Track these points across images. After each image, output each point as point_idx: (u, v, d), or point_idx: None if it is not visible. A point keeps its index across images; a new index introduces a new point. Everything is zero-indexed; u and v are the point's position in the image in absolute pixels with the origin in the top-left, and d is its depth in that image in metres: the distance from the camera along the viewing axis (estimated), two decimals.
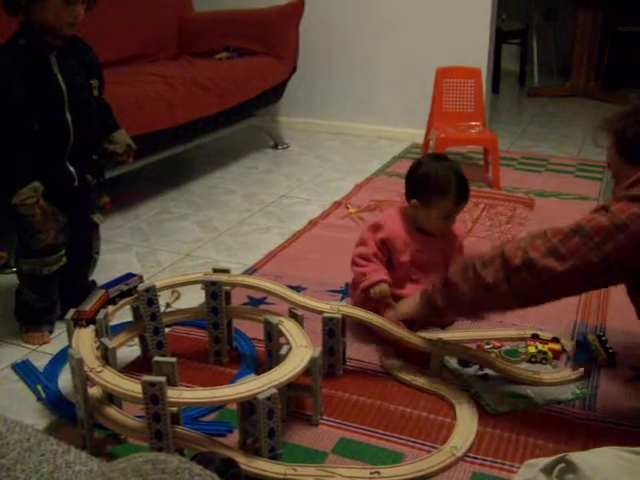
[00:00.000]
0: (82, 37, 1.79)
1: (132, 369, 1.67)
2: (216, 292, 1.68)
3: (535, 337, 1.77)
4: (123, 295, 1.62)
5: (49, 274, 1.81)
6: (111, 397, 1.41)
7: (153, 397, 1.26)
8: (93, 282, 1.98)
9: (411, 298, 1.70)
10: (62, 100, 1.71)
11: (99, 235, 1.97)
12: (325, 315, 1.61)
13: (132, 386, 1.31)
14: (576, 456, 1.11)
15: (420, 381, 1.62)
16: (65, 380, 1.62)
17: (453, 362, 1.70)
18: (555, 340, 1.75)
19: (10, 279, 2.14)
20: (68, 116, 1.72)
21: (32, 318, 1.84)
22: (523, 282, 1.35)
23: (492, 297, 1.41)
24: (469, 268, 1.46)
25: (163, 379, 1.26)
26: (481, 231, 2.50)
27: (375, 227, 1.85)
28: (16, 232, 1.80)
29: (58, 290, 1.89)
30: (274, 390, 1.29)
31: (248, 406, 1.32)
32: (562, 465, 1.11)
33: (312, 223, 2.64)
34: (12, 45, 1.66)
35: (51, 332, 1.87)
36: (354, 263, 1.85)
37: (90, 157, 1.84)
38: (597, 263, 1.28)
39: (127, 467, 0.82)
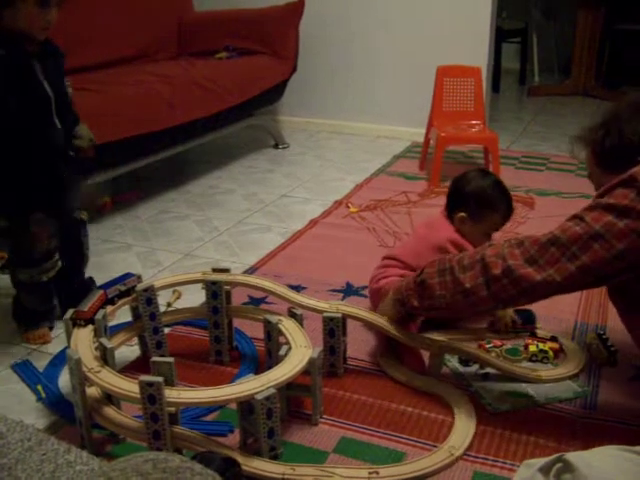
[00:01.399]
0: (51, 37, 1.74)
1: (132, 369, 1.67)
2: (217, 292, 1.67)
3: (533, 336, 1.77)
4: (122, 295, 1.62)
5: (48, 280, 1.81)
6: (110, 397, 1.41)
7: (150, 397, 1.26)
8: (91, 279, 1.98)
9: (386, 299, 1.69)
10: (50, 105, 1.69)
11: (87, 232, 1.96)
12: (325, 315, 1.61)
13: (130, 386, 1.31)
14: (573, 456, 1.11)
15: (417, 382, 1.62)
16: (65, 380, 1.62)
17: (454, 361, 1.70)
18: (553, 339, 1.75)
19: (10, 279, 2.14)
20: (56, 120, 1.72)
21: (32, 319, 1.84)
22: (503, 289, 1.37)
23: (471, 301, 1.43)
24: (447, 271, 1.47)
25: (160, 379, 1.26)
26: None
27: (457, 244, 1.81)
28: (11, 243, 1.80)
29: (57, 291, 1.89)
30: (273, 390, 1.29)
31: (247, 406, 1.32)
32: (559, 465, 1.11)
33: (313, 222, 2.63)
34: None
35: (51, 328, 1.86)
36: None
37: (71, 156, 1.83)
38: (574, 272, 1.30)
39: (128, 466, 0.82)
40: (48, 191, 1.73)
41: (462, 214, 1.83)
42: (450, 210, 1.88)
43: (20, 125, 1.65)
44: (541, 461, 1.14)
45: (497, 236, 1.94)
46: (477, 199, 1.82)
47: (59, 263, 1.82)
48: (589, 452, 1.14)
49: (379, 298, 1.78)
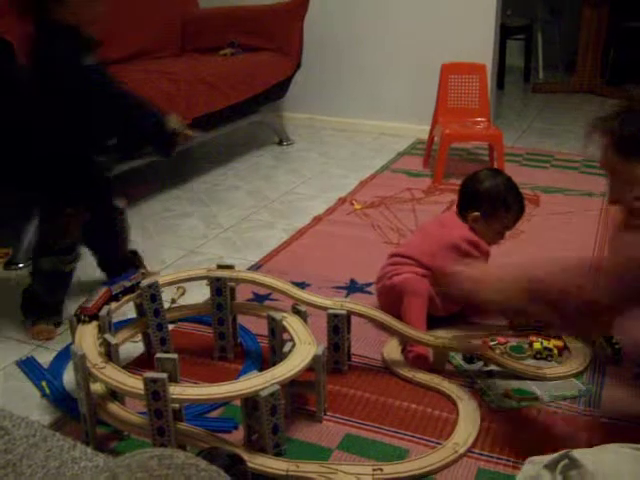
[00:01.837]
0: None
1: (136, 365, 1.67)
2: (221, 288, 1.68)
3: (538, 333, 1.77)
4: (126, 291, 1.62)
5: (69, 271, 1.84)
6: (114, 393, 1.41)
7: (155, 393, 1.26)
8: (135, 252, 2.03)
9: (497, 276, 1.40)
10: (92, 99, 1.73)
11: (125, 217, 2.01)
12: (330, 311, 1.61)
13: (134, 382, 1.31)
14: (579, 452, 1.11)
15: (421, 378, 1.62)
16: (70, 376, 1.62)
17: (458, 358, 1.70)
18: (558, 337, 1.75)
19: (15, 275, 2.14)
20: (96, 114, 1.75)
21: (41, 312, 1.85)
22: None
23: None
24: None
25: (165, 376, 1.26)
26: None
27: (473, 243, 1.81)
28: (41, 231, 1.84)
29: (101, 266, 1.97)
30: (277, 387, 1.29)
31: (252, 403, 1.32)
32: (565, 462, 1.11)
33: (317, 219, 2.63)
34: (56, 50, 1.64)
35: (59, 324, 1.87)
36: None
37: (106, 147, 1.89)
38: None
39: (133, 463, 0.82)
40: (85, 185, 1.77)
41: (476, 213, 1.83)
42: (462, 209, 1.88)
43: (64, 124, 1.69)
44: (546, 458, 1.13)
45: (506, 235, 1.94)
46: (491, 198, 1.83)
47: (79, 256, 1.86)
48: (595, 449, 1.14)
49: (392, 295, 1.80)
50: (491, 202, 1.83)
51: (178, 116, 1.81)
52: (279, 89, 3.54)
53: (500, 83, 4.92)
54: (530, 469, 1.15)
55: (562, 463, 1.11)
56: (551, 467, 1.11)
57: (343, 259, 2.29)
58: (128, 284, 1.62)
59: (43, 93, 1.68)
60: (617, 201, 1.38)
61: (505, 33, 4.68)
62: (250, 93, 3.24)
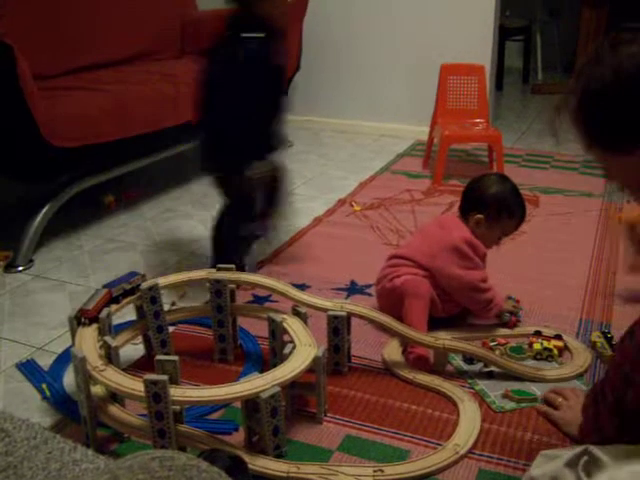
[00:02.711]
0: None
1: (136, 367, 1.67)
2: (221, 290, 1.68)
3: (538, 334, 1.77)
4: (126, 294, 1.62)
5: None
6: (114, 396, 1.41)
7: (155, 396, 1.26)
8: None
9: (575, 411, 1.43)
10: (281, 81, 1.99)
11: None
12: (330, 313, 1.61)
13: (134, 385, 1.30)
14: (598, 448, 1.08)
15: (422, 379, 1.62)
16: (70, 379, 1.62)
17: (458, 359, 1.70)
18: (558, 337, 1.75)
19: (16, 278, 2.15)
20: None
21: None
22: None
23: None
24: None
25: (165, 378, 1.26)
26: None
27: (472, 245, 1.81)
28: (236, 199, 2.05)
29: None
30: (277, 388, 1.29)
31: (252, 404, 1.32)
32: (586, 458, 1.08)
33: (316, 221, 2.64)
34: (255, 39, 1.81)
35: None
36: (477, 289, 1.80)
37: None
38: None
39: (134, 464, 0.82)
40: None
41: (479, 216, 1.83)
42: (465, 211, 1.88)
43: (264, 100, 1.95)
44: (561, 452, 1.12)
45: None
46: (497, 204, 1.83)
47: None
48: (611, 446, 1.11)
49: (393, 297, 1.80)
50: (497, 207, 1.83)
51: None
52: None
53: (499, 84, 4.93)
54: (546, 465, 1.12)
55: (583, 460, 1.08)
56: (572, 465, 1.09)
57: (343, 260, 2.29)
58: (128, 286, 1.62)
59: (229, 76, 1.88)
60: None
61: (504, 34, 4.69)
62: None
